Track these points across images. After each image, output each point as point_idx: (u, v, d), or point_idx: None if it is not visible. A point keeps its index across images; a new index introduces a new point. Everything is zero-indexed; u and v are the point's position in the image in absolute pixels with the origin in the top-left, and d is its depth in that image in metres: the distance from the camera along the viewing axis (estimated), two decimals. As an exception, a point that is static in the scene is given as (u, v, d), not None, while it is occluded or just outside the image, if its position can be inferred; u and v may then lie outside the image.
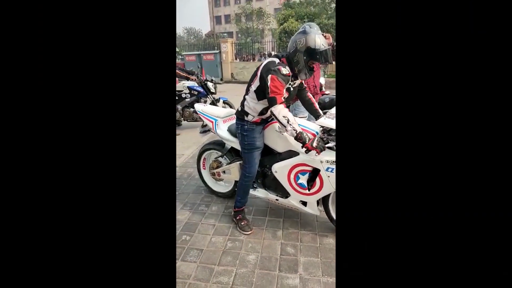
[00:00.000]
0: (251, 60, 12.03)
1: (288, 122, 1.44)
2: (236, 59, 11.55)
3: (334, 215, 1.70)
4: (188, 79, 4.02)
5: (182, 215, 2.03)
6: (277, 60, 1.52)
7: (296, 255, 1.61)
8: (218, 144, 2.04)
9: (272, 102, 1.47)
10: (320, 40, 1.43)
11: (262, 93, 1.54)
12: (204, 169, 2.20)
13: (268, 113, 1.59)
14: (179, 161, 3.06)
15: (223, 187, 2.18)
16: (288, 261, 1.57)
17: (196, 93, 4.08)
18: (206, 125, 2.03)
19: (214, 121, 1.89)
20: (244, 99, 1.67)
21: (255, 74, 1.59)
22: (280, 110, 1.46)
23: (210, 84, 4.15)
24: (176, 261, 1.59)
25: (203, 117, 1.93)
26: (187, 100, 4.11)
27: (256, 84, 1.56)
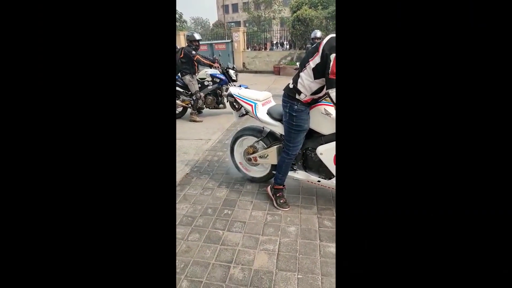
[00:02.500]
0: (263, 49, 11.95)
1: None
2: (247, 48, 11.50)
3: None
4: (211, 66, 4.10)
5: (220, 193, 2.17)
6: None
7: (333, 228, 1.73)
8: (254, 130, 2.11)
9: (332, 84, 1.43)
10: None
11: (321, 71, 1.49)
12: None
13: (322, 93, 1.61)
14: (207, 146, 3.19)
15: (257, 172, 2.24)
16: (327, 232, 1.69)
17: (218, 80, 4.17)
18: (240, 108, 2.10)
19: (253, 104, 1.95)
20: (298, 76, 1.62)
21: (315, 50, 1.53)
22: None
23: (231, 72, 4.23)
24: (223, 231, 1.73)
25: (241, 100, 1.99)
26: (209, 87, 4.20)
27: (316, 61, 1.51)
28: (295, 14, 9.19)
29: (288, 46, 11.66)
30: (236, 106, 2.11)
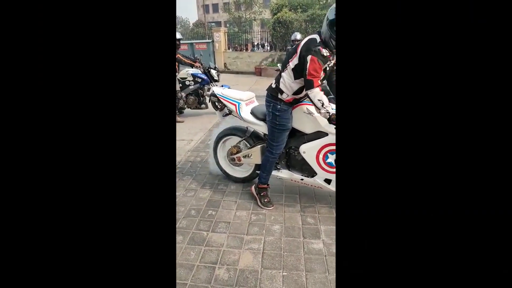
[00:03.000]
0: (245, 50, 11.97)
1: (323, 106, 1.51)
2: (228, 48, 11.45)
3: None
4: (192, 66, 4.04)
5: (203, 194, 2.14)
6: (318, 38, 1.51)
7: (317, 224, 1.77)
8: (237, 129, 2.11)
9: (310, 85, 1.50)
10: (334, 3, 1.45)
11: (300, 71, 1.56)
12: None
13: (303, 93, 1.67)
14: (190, 146, 3.14)
15: (240, 172, 2.25)
16: (310, 229, 1.73)
17: (199, 80, 4.11)
18: (223, 108, 2.09)
19: (237, 104, 1.95)
20: (280, 76, 1.68)
21: (294, 51, 1.60)
22: (315, 93, 1.51)
23: (213, 72, 4.19)
24: (208, 232, 1.71)
25: (225, 100, 1.99)
26: (190, 87, 4.14)
27: (294, 62, 1.58)
28: (275, 16, 9.30)
29: (269, 48, 11.77)
30: (219, 106, 2.10)
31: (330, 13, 1.46)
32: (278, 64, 5.59)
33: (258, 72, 9.44)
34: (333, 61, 1.63)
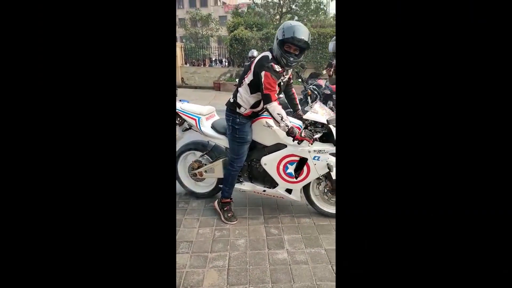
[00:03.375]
0: (202, 65, 11.97)
1: (282, 119, 1.59)
2: (186, 63, 11.35)
3: (314, 200, 1.95)
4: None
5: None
6: (270, 55, 1.60)
7: (280, 234, 1.80)
8: (198, 144, 2.08)
9: (267, 99, 1.58)
10: (289, 22, 1.58)
11: (255, 87, 1.64)
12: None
13: (260, 106, 1.73)
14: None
15: (202, 188, 2.20)
16: (274, 240, 1.75)
17: (156, 95, 3.97)
18: (182, 122, 2.05)
19: (197, 118, 1.93)
20: (237, 91, 1.75)
21: (248, 68, 1.69)
22: (274, 107, 1.59)
23: (170, 87, 4.09)
24: (168, 254, 1.62)
25: (184, 115, 1.96)
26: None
27: (249, 77, 1.66)
28: (232, 33, 9.58)
29: (227, 63, 11.97)
30: (178, 121, 2.05)
31: (279, 33, 1.57)
32: (237, 79, 5.73)
33: (217, 87, 9.50)
34: (287, 76, 1.74)
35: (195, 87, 10.20)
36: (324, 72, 5.93)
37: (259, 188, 1.95)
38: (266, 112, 1.85)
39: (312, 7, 12.26)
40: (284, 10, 12.19)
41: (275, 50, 1.61)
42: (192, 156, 2.14)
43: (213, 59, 12.63)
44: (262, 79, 1.56)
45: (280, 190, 1.91)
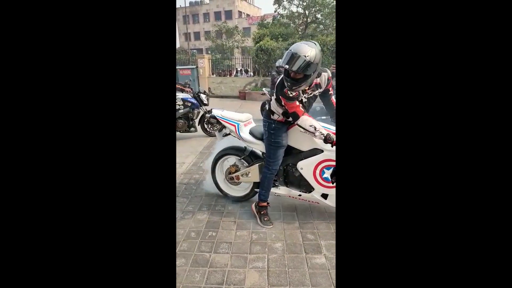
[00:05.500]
0: (228, 75, 12.36)
1: (315, 129, 1.66)
2: (212, 74, 11.79)
3: None
4: (183, 91, 4.14)
5: (201, 216, 2.13)
6: None
7: (317, 240, 1.82)
8: (235, 149, 2.18)
9: (295, 117, 1.68)
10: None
11: (280, 103, 1.75)
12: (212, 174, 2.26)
13: (290, 118, 1.78)
14: (182, 169, 3.13)
15: (238, 191, 2.28)
16: (311, 245, 1.77)
17: (189, 104, 4.20)
18: (222, 128, 2.17)
19: (236, 125, 2.04)
20: (271, 99, 1.87)
21: (275, 84, 1.80)
22: (305, 121, 1.67)
23: (203, 96, 4.31)
24: (210, 253, 1.70)
25: (224, 121, 2.07)
26: (180, 111, 4.19)
27: (275, 94, 1.78)
28: (257, 44, 9.84)
29: (252, 73, 12.26)
30: (217, 127, 2.17)
31: (283, 62, 1.51)
32: (264, 89, 5.85)
33: (243, 96, 9.73)
34: (316, 92, 1.75)
35: (222, 97, 10.54)
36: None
37: (294, 192, 1.99)
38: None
39: (337, 16, 12.23)
40: (309, 20, 12.31)
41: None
42: (229, 161, 2.24)
43: (239, 69, 13.00)
44: (282, 102, 1.70)
45: (315, 195, 1.94)
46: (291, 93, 1.62)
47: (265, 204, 1.99)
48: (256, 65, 10.47)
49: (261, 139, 1.98)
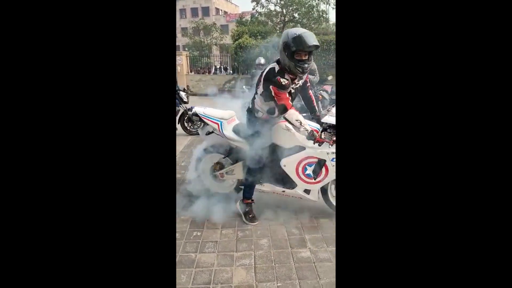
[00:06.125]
0: (207, 73, 12.17)
1: (301, 124, 1.68)
2: (191, 71, 11.55)
3: (332, 201, 2.01)
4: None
5: (185, 216, 2.09)
6: (277, 67, 1.66)
7: (302, 234, 1.86)
8: (219, 147, 2.15)
9: (283, 109, 1.68)
10: (290, 31, 1.58)
11: (268, 96, 1.73)
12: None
13: (276, 113, 1.81)
14: (163, 169, 3.04)
15: (223, 188, 2.26)
16: (296, 239, 1.81)
17: (168, 102, 4.07)
18: (204, 126, 2.14)
19: (219, 123, 2.02)
20: (254, 97, 1.86)
21: (259, 79, 1.79)
22: (291, 115, 1.68)
23: (182, 94, 4.20)
24: (196, 253, 1.67)
25: (207, 119, 2.04)
26: (159, 109, 4.06)
27: (261, 89, 1.76)
28: (236, 42, 9.77)
29: (231, 71, 12.18)
30: (200, 125, 2.14)
31: (287, 44, 1.56)
32: (244, 86, 5.82)
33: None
34: (301, 81, 1.80)
35: (201, 95, 10.36)
36: (330, 78, 6.01)
37: (278, 189, 2.02)
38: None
39: (314, 15, 12.51)
40: (286, 19, 12.45)
41: (284, 61, 1.63)
42: (212, 159, 2.21)
43: (218, 67, 12.84)
44: (272, 93, 1.66)
45: (299, 191, 1.98)
46: (284, 81, 1.62)
47: (249, 201, 2.00)
48: (235, 63, 10.41)
49: (244, 137, 1.98)
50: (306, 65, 1.62)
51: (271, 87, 1.65)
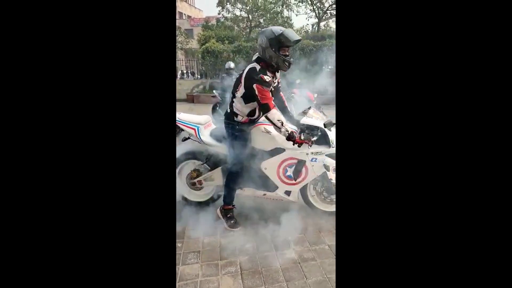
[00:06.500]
0: (173, 78, 11.83)
1: (282, 125, 1.68)
2: (156, 76, 11.14)
3: (311, 200, 2.06)
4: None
5: (163, 227, 1.98)
6: (257, 66, 1.68)
7: (285, 236, 1.87)
8: (196, 153, 2.08)
9: (266, 109, 1.67)
10: (275, 27, 1.66)
11: (248, 98, 1.72)
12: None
13: (256, 115, 1.81)
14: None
15: (200, 196, 2.20)
16: (280, 241, 1.81)
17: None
18: (179, 132, 2.06)
19: (196, 128, 1.96)
20: (232, 101, 1.83)
21: (238, 82, 1.76)
22: (274, 114, 1.68)
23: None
24: (177, 266, 1.59)
25: (183, 125, 1.97)
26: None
27: (241, 91, 1.74)
28: (203, 46, 9.65)
29: (199, 76, 11.98)
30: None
31: (273, 40, 1.62)
32: (214, 91, 5.76)
33: (191, 99, 9.42)
34: (277, 80, 1.84)
35: (168, 100, 10.01)
36: (298, 81, 6.22)
37: (259, 192, 2.01)
38: (262, 119, 1.94)
39: (279, 22, 12.89)
40: (253, 24, 12.64)
41: (271, 57, 1.66)
42: (189, 166, 2.13)
43: (184, 71, 12.54)
44: (256, 92, 1.65)
45: (280, 193, 2.00)
46: (267, 78, 1.66)
47: (230, 207, 1.96)
48: (203, 67, 10.26)
49: (222, 141, 1.95)
50: (291, 59, 1.72)
51: (254, 85, 1.64)
